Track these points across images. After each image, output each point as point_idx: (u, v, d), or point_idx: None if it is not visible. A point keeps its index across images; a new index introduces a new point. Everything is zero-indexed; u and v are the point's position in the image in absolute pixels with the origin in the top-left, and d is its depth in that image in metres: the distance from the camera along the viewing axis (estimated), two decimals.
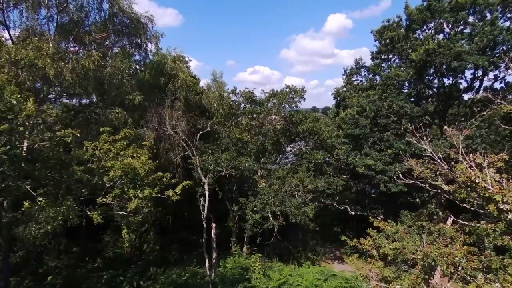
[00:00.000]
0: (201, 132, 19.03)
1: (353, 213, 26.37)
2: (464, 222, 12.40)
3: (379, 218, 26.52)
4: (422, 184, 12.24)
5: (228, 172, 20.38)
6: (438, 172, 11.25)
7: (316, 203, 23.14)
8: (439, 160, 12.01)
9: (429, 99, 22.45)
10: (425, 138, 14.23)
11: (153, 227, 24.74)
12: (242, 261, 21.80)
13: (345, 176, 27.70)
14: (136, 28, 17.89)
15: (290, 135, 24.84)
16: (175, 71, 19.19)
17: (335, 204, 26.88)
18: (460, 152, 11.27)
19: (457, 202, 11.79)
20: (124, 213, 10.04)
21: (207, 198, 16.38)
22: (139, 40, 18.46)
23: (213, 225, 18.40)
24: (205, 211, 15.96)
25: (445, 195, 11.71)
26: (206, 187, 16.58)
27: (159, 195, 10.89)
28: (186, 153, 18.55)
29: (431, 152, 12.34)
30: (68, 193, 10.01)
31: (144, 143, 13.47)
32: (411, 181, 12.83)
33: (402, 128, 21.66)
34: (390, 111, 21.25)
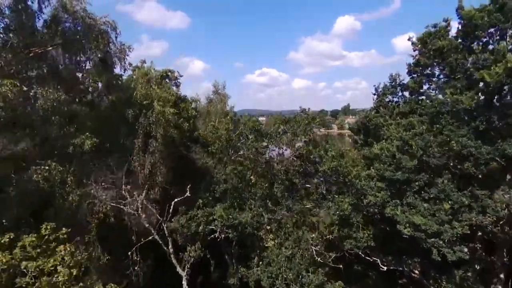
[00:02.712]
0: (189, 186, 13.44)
1: (385, 268, 20.83)
2: None
3: (416, 272, 20.98)
4: None
5: (224, 235, 14.86)
6: None
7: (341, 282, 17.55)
8: None
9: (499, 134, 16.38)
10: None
11: None
12: None
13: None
14: (92, 39, 12.47)
15: (307, 174, 19.08)
16: (149, 101, 13.51)
17: (360, 253, 21.33)
18: None
19: None
20: None
21: None
22: (97, 56, 13.00)
23: None
24: None
25: None
26: (184, 283, 10.89)
27: None
28: (152, 236, 12.83)
29: None
30: None
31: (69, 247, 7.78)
32: None
33: (463, 173, 15.86)
34: (445, 150, 15.48)
